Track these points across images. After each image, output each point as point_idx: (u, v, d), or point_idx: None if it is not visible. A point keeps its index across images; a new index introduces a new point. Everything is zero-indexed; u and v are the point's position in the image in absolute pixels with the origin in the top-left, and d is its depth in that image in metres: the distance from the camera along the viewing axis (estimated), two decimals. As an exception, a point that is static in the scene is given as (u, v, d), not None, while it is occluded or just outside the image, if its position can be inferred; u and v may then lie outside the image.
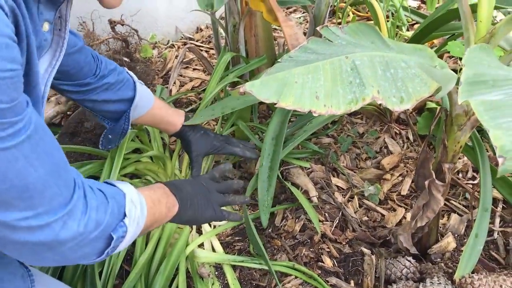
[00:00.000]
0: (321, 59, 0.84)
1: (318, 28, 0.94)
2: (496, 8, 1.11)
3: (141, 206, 0.80)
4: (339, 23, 2.50)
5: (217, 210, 1.07)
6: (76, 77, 1.12)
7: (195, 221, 1.05)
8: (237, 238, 1.35)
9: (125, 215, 0.75)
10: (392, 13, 2.48)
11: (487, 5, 0.93)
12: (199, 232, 1.35)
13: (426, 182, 1.14)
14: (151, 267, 1.22)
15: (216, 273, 1.24)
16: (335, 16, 2.35)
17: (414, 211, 1.19)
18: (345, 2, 2.41)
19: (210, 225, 1.38)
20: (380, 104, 1.76)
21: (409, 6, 2.68)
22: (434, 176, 1.11)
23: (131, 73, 1.25)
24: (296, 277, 1.20)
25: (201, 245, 1.30)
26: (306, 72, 0.77)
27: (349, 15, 2.56)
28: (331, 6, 2.55)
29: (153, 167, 1.46)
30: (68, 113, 1.76)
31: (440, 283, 1.12)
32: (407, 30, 2.40)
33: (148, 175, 1.47)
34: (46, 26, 0.67)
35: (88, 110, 1.22)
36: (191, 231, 1.35)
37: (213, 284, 1.22)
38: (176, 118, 1.34)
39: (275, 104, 0.70)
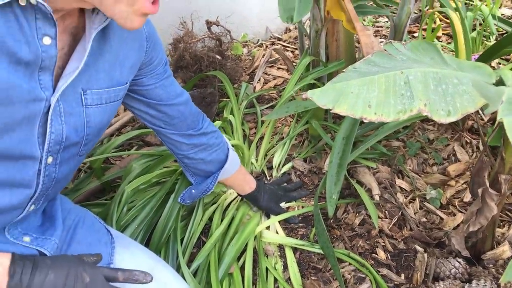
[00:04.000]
0: (380, 72, 0.96)
1: (382, 44, 1.06)
2: None
3: None
4: (424, 29, 2.54)
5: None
6: (179, 127, 1.18)
7: None
8: (300, 225, 1.50)
9: None
10: (481, 22, 2.47)
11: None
12: (268, 216, 1.52)
13: (480, 190, 1.21)
14: (224, 240, 1.41)
15: (279, 253, 1.41)
16: (421, 22, 2.39)
17: (467, 215, 1.27)
18: (432, 8, 2.44)
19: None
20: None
21: (502, 15, 2.63)
22: (487, 185, 1.18)
23: (226, 139, 1.35)
24: (349, 264, 1.33)
25: (268, 228, 1.47)
26: (362, 84, 0.90)
27: (435, 22, 2.59)
28: (420, 11, 2.59)
29: (233, 154, 1.65)
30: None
31: (485, 285, 1.20)
32: (496, 39, 2.38)
33: (228, 161, 1.67)
34: (46, 40, 0.68)
35: (182, 165, 1.33)
36: (261, 215, 1.52)
37: (276, 262, 1.38)
38: (251, 184, 1.46)
39: (331, 110, 0.85)
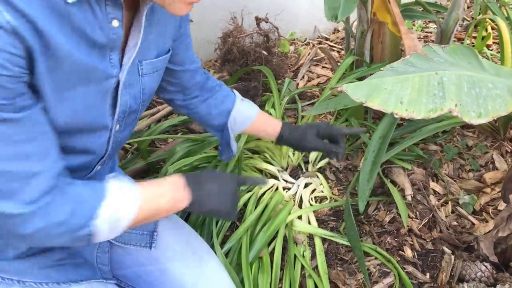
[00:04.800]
0: (416, 72, 1.00)
1: (421, 47, 1.10)
2: None
3: (128, 204, 0.82)
4: (474, 37, 2.51)
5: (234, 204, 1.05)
6: (187, 91, 1.21)
7: (214, 215, 1.06)
8: (332, 218, 1.55)
9: (93, 217, 0.77)
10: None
11: None
12: (300, 206, 1.58)
13: (511, 196, 1.22)
14: (256, 225, 1.48)
15: (308, 242, 1.46)
16: (468, 29, 2.37)
17: (498, 221, 1.28)
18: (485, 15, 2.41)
19: (310, 202, 1.60)
20: (495, 121, 1.81)
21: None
22: (519, 192, 1.20)
23: (235, 91, 1.34)
24: (376, 258, 1.37)
25: (299, 217, 1.53)
26: (396, 81, 0.94)
27: (486, 30, 2.56)
28: (473, 18, 2.57)
29: (271, 146, 1.72)
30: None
31: (509, 290, 1.21)
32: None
33: (266, 152, 1.74)
34: (115, 23, 0.76)
35: (201, 123, 1.33)
36: (294, 205, 1.58)
37: (304, 251, 1.44)
38: (275, 124, 1.35)
39: (364, 103, 0.90)
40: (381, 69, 1.03)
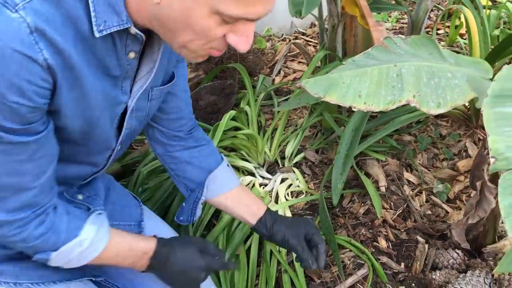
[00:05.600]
0: (377, 65, 1.01)
1: (381, 38, 1.10)
2: None
3: (93, 248, 0.87)
4: (448, 26, 2.53)
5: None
6: (172, 125, 1.12)
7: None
8: (308, 212, 1.56)
9: (56, 249, 0.83)
10: (505, 20, 2.45)
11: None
12: (276, 201, 1.59)
13: (479, 183, 1.24)
14: (233, 223, 1.48)
15: (285, 237, 1.47)
16: (437, 19, 2.39)
17: (467, 208, 1.30)
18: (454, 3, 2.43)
19: (286, 197, 1.61)
20: (468, 109, 1.83)
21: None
22: (486, 178, 1.21)
23: (221, 155, 1.24)
24: (350, 250, 1.38)
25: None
26: (354, 75, 0.95)
27: (459, 18, 2.58)
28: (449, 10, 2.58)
29: (247, 143, 1.72)
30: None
31: (479, 275, 1.23)
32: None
33: (242, 149, 1.74)
34: (131, 55, 0.78)
35: (172, 175, 1.21)
36: (270, 201, 1.59)
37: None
38: (259, 204, 1.21)
39: (322, 98, 0.90)
40: (343, 63, 1.04)
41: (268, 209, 1.21)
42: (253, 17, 0.68)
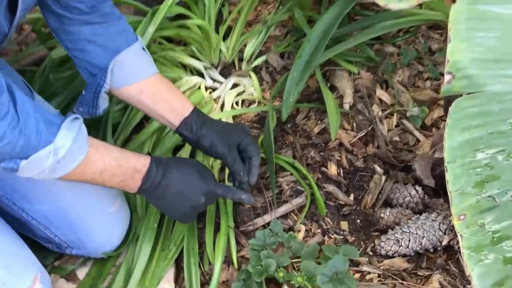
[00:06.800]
0: None
1: None
2: None
3: (71, 158, 0.77)
4: None
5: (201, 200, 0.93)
6: None
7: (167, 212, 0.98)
8: (256, 125, 1.34)
9: (26, 157, 0.73)
10: None
11: None
12: (222, 108, 1.36)
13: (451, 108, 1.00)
14: (164, 129, 1.27)
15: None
16: None
17: (435, 138, 1.08)
18: None
19: (234, 105, 1.38)
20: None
21: None
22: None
23: (140, 38, 1.04)
24: (291, 174, 1.17)
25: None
26: None
27: None
28: None
29: (198, 37, 1.45)
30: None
31: (435, 219, 1.03)
32: None
33: (192, 44, 1.47)
34: None
35: (75, 62, 1.02)
36: (214, 109, 1.36)
37: (214, 161, 1.24)
38: (184, 102, 1.05)
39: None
40: None
41: (195, 109, 1.04)
42: None
